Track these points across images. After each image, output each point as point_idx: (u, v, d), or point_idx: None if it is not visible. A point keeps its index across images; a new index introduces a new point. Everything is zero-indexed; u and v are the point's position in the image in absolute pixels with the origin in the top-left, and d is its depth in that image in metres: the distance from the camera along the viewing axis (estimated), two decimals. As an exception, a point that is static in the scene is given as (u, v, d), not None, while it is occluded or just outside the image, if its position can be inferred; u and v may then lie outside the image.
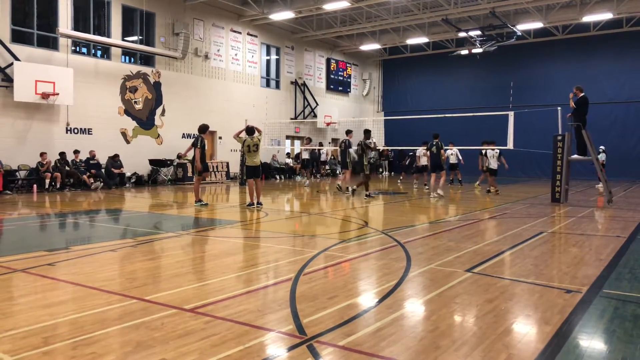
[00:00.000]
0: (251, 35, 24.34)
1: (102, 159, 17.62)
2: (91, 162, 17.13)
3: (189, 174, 20.19)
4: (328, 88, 29.76)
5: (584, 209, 12.29)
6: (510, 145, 15.31)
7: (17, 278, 5.25)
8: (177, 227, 9.26)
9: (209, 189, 17.72)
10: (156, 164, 19.60)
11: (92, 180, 16.73)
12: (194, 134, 21.46)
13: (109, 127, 18.44)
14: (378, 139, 30.10)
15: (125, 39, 19.08)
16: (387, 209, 12.87)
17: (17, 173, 15.70)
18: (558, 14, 22.82)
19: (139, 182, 19.07)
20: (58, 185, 15.93)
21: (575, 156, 13.48)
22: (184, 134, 21.10)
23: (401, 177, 23.62)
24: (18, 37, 16.05)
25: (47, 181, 15.64)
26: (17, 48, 15.75)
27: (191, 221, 10.05)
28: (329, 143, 29.62)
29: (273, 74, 26.36)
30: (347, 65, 31.15)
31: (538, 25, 23.75)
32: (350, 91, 31.62)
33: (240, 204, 13.06)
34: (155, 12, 19.89)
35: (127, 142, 19.12)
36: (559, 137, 13.49)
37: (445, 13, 22.70)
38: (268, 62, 26.03)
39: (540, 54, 27.48)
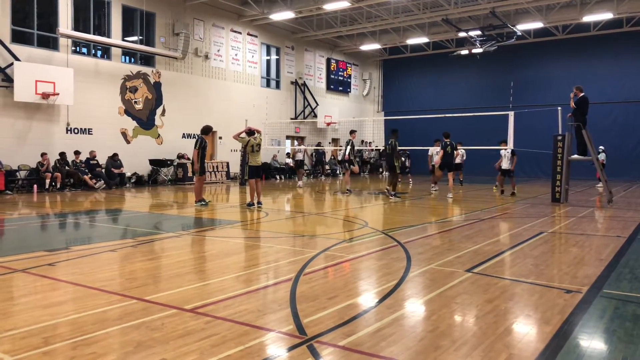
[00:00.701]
0: (251, 35, 24.34)
1: (102, 159, 17.62)
2: (91, 162, 17.12)
3: (189, 174, 20.20)
4: (328, 88, 29.75)
5: (584, 209, 12.29)
6: (510, 145, 15.31)
7: (17, 278, 5.25)
8: (177, 227, 9.26)
9: (209, 189, 17.71)
10: (156, 164, 19.60)
11: (94, 180, 16.72)
12: (194, 134, 21.51)
13: (109, 127, 18.44)
14: (378, 139, 30.21)
15: (126, 39, 19.09)
16: (387, 208, 12.86)
17: (17, 173, 15.70)
18: (558, 14, 22.82)
19: (139, 182, 19.07)
20: (58, 186, 15.93)
21: (575, 156, 13.48)
22: (184, 134, 21.10)
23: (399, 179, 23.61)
24: (18, 37, 16.05)
25: (48, 181, 15.64)
26: (17, 48, 15.75)
27: (191, 221, 10.05)
28: (329, 143, 29.62)
29: (273, 74, 26.35)
30: (347, 65, 31.14)
31: (538, 25, 23.74)
32: (350, 91, 31.62)
33: (240, 204, 13.06)
34: (155, 12, 19.89)
35: (127, 142, 19.12)
36: (559, 137, 13.49)
37: (445, 13, 22.70)
38: (268, 62, 26.03)
39: (541, 54, 27.47)
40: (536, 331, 3.85)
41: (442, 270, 5.69)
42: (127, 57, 19.47)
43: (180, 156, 20.42)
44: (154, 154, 19.78)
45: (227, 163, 21.96)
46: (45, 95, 15.69)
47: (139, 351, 3.29)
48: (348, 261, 6.26)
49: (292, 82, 27.10)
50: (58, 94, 15.94)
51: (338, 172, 27.92)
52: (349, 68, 31.29)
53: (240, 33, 23.73)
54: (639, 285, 5.28)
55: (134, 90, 19.28)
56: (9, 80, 15.41)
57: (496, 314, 4.18)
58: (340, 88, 30.63)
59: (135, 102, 19.34)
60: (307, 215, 11.18)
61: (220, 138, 22.55)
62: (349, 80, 31.28)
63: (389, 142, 14.71)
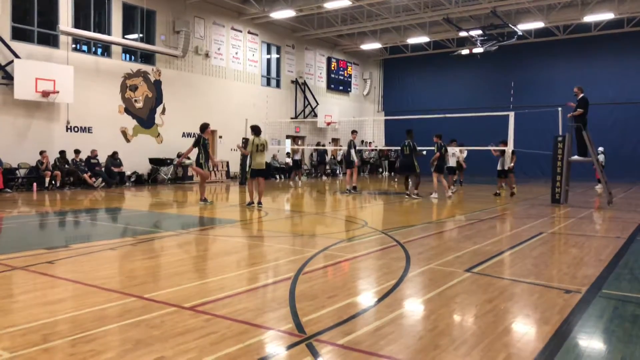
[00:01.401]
0: (252, 33, 24.33)
1: (102, 157, 17.61)
2: (92, 161, 17.11)
3: (189, 173, 20.21)
4: (328, 87, 29.74)
5: (584, 210, 12.29)
6: (510, 145, 15.31)
7: (16, 276, 5.25)
8: (176, 226, 9.26)
9: (208, 189, 17.70)
10: (156, 162, 19.59)
11: (94, 179, 16.72)
12: (194, 133, 21.51)
13: (109, 126, 18.43)
14: (378, 139, 30.23)
15: (126, 36, 19.08)
16: (387, 208, 12.87)
17: (17, 171, 15.69)
18: (559, 13, 22.81)
19: (139, 181, 19.07)
20: (58, 184, 15.92)
21: (575, 157, 13.47)
22: (184, 132, 21.09)
23: (396, 178, 23.65)
24: (18, 35, 16.04)
25: (47, 179, 15.63)
26: (17, 45, 15.74)
27: (191, 220, 10.05)
28: (329, 143, 29.62)
29: (274, 73, 26.35)
30: (348, 64, 31.13)
31: (539, 25, 23.74)
32: (350, 90, 31.61)
33: (240, 203, 13.06)
34: (155, 10, 19.88)
35: (127, 140, 19.12)
36: (560, 138, 13.48)
37: (446, 12, 22.68)
38: (269, 60, 26.02)
39: (541, 54, 27.47)
40: (535, 331, 3.85)
41: (442, 270, 5.69)
42: (128, 55, 19.46)
43: (180, 155, 20.39)
44: (154, 152, 19.77)
45: (227, 162, 21.96)
46: (45, 93, 15.69)
47: (138, 349, 3.29)
48: (347, 260, 6.26)
49: (292, 81, 27.10)
50: (58, 92, 15.93)
51: (338, 172, 27.93)
52: (350, 67, 31.28)
53: (240, 31, 23.72)
54: (638, 286, 5.29)
55: (134, 88, 19.27)
56: (9, 77, 15.40)
57: (495, 313, 4.18)
58: (341, 87, 30.62)
59: (136, 100, 19.33)
60: (306, 215, 11.18)
61: (220, 137, 22.54)
62: (349, 79, 31.26)
63: (406, 143, 14.50)
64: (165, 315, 3.95)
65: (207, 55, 21.97)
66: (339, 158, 28.60)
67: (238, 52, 23.63)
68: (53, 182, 15.84)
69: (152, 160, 19.58)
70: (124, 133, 19.03)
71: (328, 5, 21.30)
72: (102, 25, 18.33)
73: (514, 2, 21.08)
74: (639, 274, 5.82)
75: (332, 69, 29.77)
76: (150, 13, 19.72)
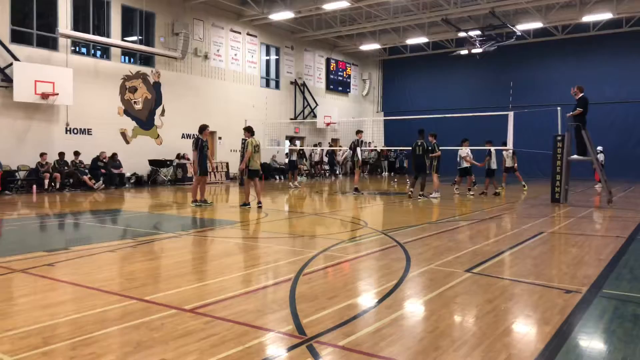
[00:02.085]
0: (251, 35, 24.34)
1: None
2: (99, 163, 17.13)
3: (189, 174, 20.20)
4: (328, 88, 29.75)
5: (583, 209, 12.29)
6: (510, 145, 15.32)
7: (16, 278, 5.25)
8: (176, 227, 9.25)
9: (208, 189, 17.69)
10: (156, 164, 19.59)
11: (93, 181, 16.71)
12: (193, 134, 21.50)
13: (109, 128, 18.43)
14: (377, 139, 30.23)
15: (125, 39, 19.08)
16: (387, 209, 12.87)
17: (16, 173, 15.69)
18: (558, 14, 22.83)
19: (139, 182, 19.06)
20: (57, 186, 15.92)
21: (575, 156, 13.47)
22: (183, 134, 21.09)
23: (395, 179, 23.67)
24: (18, 37, 16.05)
25: (47, 181, 15.62)
26: (16, 48, 15.74)
27: (191, 222, 10.05)
28: (328, 143, 29.63)
29: (273, 74, 26.36)
30: (347, 65, 31.15)
31: (538, 25, 23.77)
32: (350, 91, 31.62)
33: (240, 204, 13.04)
34: (154, 12, 19.89)
35: (127, 142, 19.12)
36: (559, 137, 13.49)
37: (445, 13, 22.70)
38: (268, 62, 26.03)
39: (540, 54, 27.48)
40: (536, 331, 3.85)
41: (442, 270, 5.69)
42: (127, 57, 19.47)
43: (179, 156, 20.41)
44: (154, 154, 19.77)
45: (227, 163, 21.96)
46: (44, 96, 15.69)
47: (138, 351, 3.29)
48: (348, 261, 6.25)
49: (291, 82, 27.11)
50: (57, 94, 15.94)
51: (337, 172, 27.95)
52: (349, 68, 31.29)
53: (239, 33, 23.74)
54: (638, 285, 5.29)
55: (134, 90, 19.27)
56: (9, 80, 15.41)
57: (496, 314, 4.18)
58: (340, 88, 30.63)
59: (135, 102, 19.33)
60: (306, 216, 11.18)
61: (220, 138, 22.55)
62: (348, 80, 31.28)
63: (419, 143, 14.59)
64: (165, 318, 3.95)
65: (206, 56, 21.98)
66: (339, 158, 28.67)
67: (237, 53, 23.64)
68: (53, 184, 15.83)
69: (152, 162, 19.57)
70: (124, 134, 19.04)
71: (327, 7, 21.31)
72: (101, 28, 18.33)
73: (513, 3, 21.10)
74: (639, 273, 5.82)
75: (331, 69, 29.78)
76: (149, 15, 19.72)
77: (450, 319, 4.09)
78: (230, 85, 23.26)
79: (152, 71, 19.90)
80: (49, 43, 16.84)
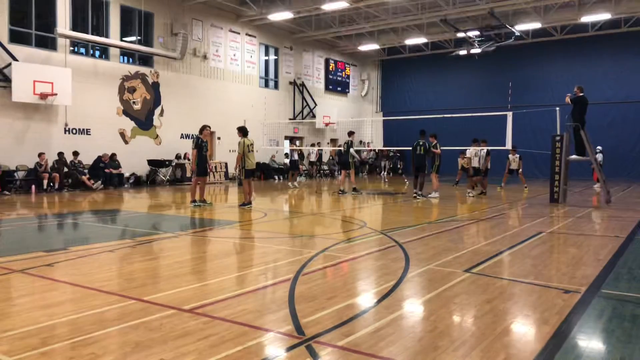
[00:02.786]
0: (250, 35, 24.34)
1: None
2: (100, 164, 17.13)
3: (188, 174, 20.20)
4: (327, 88, 29.75)
5: (582, 209, 12.31)
6: (508, 145, 15.32)
7: (15, 279, 5.24)
8: (175, 227, 9.25)
9: (207, 190, 17.68)
10: (155, 164, 19.58)
11: (92, 181, 16.71)
12: (192, 135, 21.49)
13: (108, 128, 18.42)
14: (377, 140, 30.24)
15: (124, 39, 19.07)
16: (386, 209, 12.88)
17: (15, 173, 15.67)
18: (556, 14, 22.85)
19: (138, 182, 19.05)
20: (56, 186, 15.90)
21: (573, 156, 13.49)
22: (182, 134, 21.09)
23: (386, 180, 23.70)
24: (16, 38, 16.03)
25: (46, 182, 15.61)
26: (15, 48, 15.72)
27: (190, 222, 10.05)
28: (327, 143, 29.62)
29: (272, 74, 26.36)
30: (346, 65, 31.15)
31: (536, 25, 23.77)
32: (349, 91, 31.62)
33: (239, 204, 13.04)
34: (153, 13, 19.88)
35: (126, 142, 19.11)
36: (558, 138, 13.50)
37: (443, 13, 22.71)
38: (267, 62, 26.03)
39: (539, 55, 27.51)
40: (534, 331, 3.85)
41: (441, 270, 5.69)
42: (126, 58, 19.45)
43: (178, 156, 20.40)
44: (153, 154, 19.76)
45: (226, 163, 21.95)
46: (43, 96, 15.68)
47: (137, 351, 3.29)
48: (347, 261, 6.26)
49: (290, 83, 27.11)
50: (56, 94, 15.92)
51: (337, 172, 27.93)
52: (348, 68, 31.29)
53: (238, 33, 23.73)
54: (637, 285, 5.29)
55: (133, 90, 19.26)
56: (7, 80, 15.38)
57: (495, 314, 4.19)
58: (339, 88, 30.63)
59: (134, 102, 19.32)
60: (305, 216, 11.18)
61: (218, 138, 22.53)
62: (347, 80, 31.28)
63: (421, 143, 14.76)
64: (164, 318, 3.95)
65: (205, 57, 21.97)
66: (337, 159, 28.69)
67: (236, 53, 23.64)
68: (51, 184, 15.82)
69: (151, 162, 19.56)
70: (123, 135, 19.02)
71: (326, 7, 21.30)
72: (100, 28, 18.31)
73: (511, 3, 21.11)
74: (637, 273, 5.83)
75: (330, 70, 29.78)
76: (148, 15, 19.71)
77: (449, 319, 4.10)
78: (229, 86, 23.26)
79: (151, 71, 19.89)
80: (48, 43, 16.82)
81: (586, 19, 22.69)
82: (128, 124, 19.18)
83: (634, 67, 25.42)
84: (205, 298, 4.52)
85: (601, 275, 5.56)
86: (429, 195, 14.74)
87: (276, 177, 24.21)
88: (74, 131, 17.43)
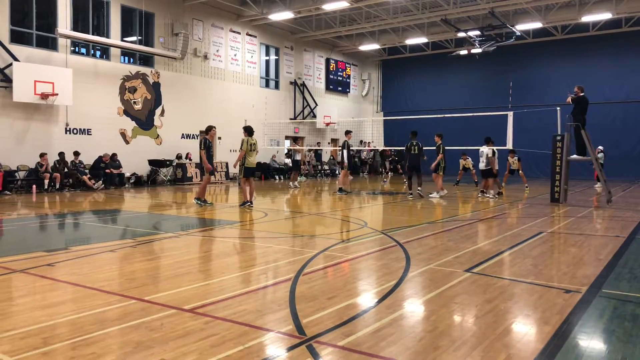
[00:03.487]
0: (250, 35, 24.34)
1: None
2: (101, 164, 17.14)
3: (189, 174, 20.23)
4: (327, 88, 29.76)
5: (583, 209, 12.30)
6: (509, 145, 15.32)
7: (16, 278, 5.25)
8: (176, 227, 9.25)
9: (208, 189, 17.68)
10: (155, 164, 19.59)
11: (93, 181, 16.72)
12: (193, 135, 21.53)
13: (108, 128, 18.43)
14: (377, 139, 30.22)
15: (125, 39, 19.08)
16: (387, 209, 12.87)
17: (16, 173, 15.69)
18: (557, 14, 22.84)
19: (138, 182, 19.06)
20: (57, 186, 15.91)
21: (574, 156, 13.48)
22: (183, 134, 21.11)
23: (385, 179, 23.70)
24: (17, 38, 16.05)
25: (46, 182, 15.62)
26: (16, 48, 15.74)
27: (190, 221, 10.05)
28: (328, 143, 29.63)
29: (272, 74, 26.36)
30: (347, 65, 31.15)
31: (537, 25, 23.77)
32: (349, 91, 31.62)
33: (240, 204, 13.04)
34: (154, 13, 19.89)
35: (127, 142, 19.12)
36: (558, 137, 13.49)
37: (444, 13, 22.71)
38: (267, 62, 26.03)
39: (539, 54, 27.50)
40: (535, 331, 3.85)
41: (442, 270, 5.69)
42: (126, 58, 19.46)
43: (179, 156, 20.41)
44: (153, 154, 19.77)
45: (227, 163, 21.96)
46: (44, 96, 15.69)
47: (138, 351, 3.29)
48: (347, 261, 6.26)
49: (291, 83, 27.11)
50: (57, 95, 15.93)
51: (337, 172, 27.93)
52: (348, 68, 31.29)
53: (239, 33, 23.74)
54: (638, 285, 5.29)
55: (133, 90, 19.27)
56: (8, 80, 15.40)
57: (495, 313, 4.19)
58: (340, 88, 30.63)
59: (134, 102, 19.33)
60: (306, 216, 11.18)
61: (219, 138, 22.52)
62: (348, 80, 31.28)
63: (415, 143, 14.91)
64: (165, 318, 3.95)
65: (205, 57, 21.98)
66: (338, 159, 28.68)
67: (237, 53, 23.64)
68: (52, 184, 15.83)
69: (151, 162, 19.58)
70: (123, 135, 19.03)
71: (326, 7, 21.31)
72: (101, 28, 18.32)
73: (512, 3, 21.10)
74: (638, 273, 5.82)
75: (331, 70, 29.78)
76: (148, 15, 19.72)
77: (450, 318, 4.10)
78: (229, 86, 23.26)
79: (151, 71, 19.90)
80: (49, 43, 16.84)
81: (587, 18, 22.68)
82: (129, 124, 19.20)
83: (635, 67, 25.41)
84: (206, 298, 4.52)
85: (602, 275, 5.56)
86: (430, 195, 14.74)
87: (277, 177, 24.20)
88: (75, 131, 17.45)
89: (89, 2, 17.80)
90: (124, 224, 9.89)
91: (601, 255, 6.64)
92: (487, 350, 3.40)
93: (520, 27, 23.84)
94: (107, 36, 18.27)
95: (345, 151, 15.79)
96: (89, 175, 16.73)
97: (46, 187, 15.63)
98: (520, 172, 18.66)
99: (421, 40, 27.32)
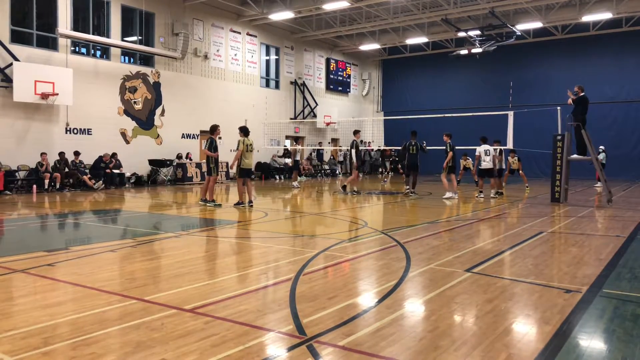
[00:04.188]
0: (251, 35, 24.34)
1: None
2: (101, 164, 17.14)
3: (189, 174, 20.23)
4: (327, 88, 29.75)
5: (583, 209, 12.29)
6: (509, 144, 15.31)
7: (16, 278, 5.25)
8: (176, 227, 9.25)
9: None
10: (156, 164, 19.60)
11: (93, 181, 16.73)
12: (193, 134, 21.54)
13: (109, 127, 18.43)
14: (377, 139, 30.23)
15: (125, 39, 19.08)
16: (387, 209, 12.87)
17: (16, 173, 15.69)
18: (557, 13, 22.83)
19: (139, 182, 19.06)
20: (57, 186, 15.92)
21: (574, 156, 13.48)
22: (183, 134, 21.11)
23: (385, 179, 23.71)
24: (17, 38, 16.05)
25: (47, 181, 15.63)
26: (16, 48, 15.74)
27: (191, 221, 10.05)
28: (329, 143, 29.63)
29: (272, 74, 26.36)
30: (347, 65, 31.15)
31: (537, 25, 23.76)
32: (349, 91, 31.62)
33: (234, 203, 13.04)
34: (154, 13, 19.89)
35: (127, 142, 19.12)
36: (559, 137, 13.49)
37: (444, 13, 22.70)
38: (267, 62, 26.03)
39: (540, 54, 27.49)
40: (536, 331, 3.85)
41: (442, 270, 5.69)
42: (127, 57, 19.46)
43: (179, 156, 20.41)
44: (154, 154, 19.78)
45: (227, 163, 21.95)
46: (44, 96, 15.69)
47: (138, 351, 3.29)
48: (348, 261, 6.26)
49: (291, 82, 27.11)
50: (57, 94, 15.93)
51: (337, 172, 27.95)
52: (349, 68, 31.29)
53: (239, 33, 23.73)
54: (638, 285, 5.29)
55: (134, 90, 19.28)
56: (8, 80, 15.41)
57: (496, 313, 4.18)
58: (340, 88, 30.63)
59: (135, 102, 19.34)
60: (306, 215, 11.18)
61: (219, 138, 22.49)
62: (348, 80, 31.28)
63: (413, 143, 15.22)
64: (165, 318, 3.95)
65: (206, 56, 21.98)
66: (340, 158, 28.71)
67: (237, 53, 23.64)
68: (53, 184, 15.84)
69: (152, 162, 19.58)
70: (124, 134, 19.03)
71: (327, 7, 21.30)
72: (101, 28, 18.33)
73: (512, 3, 21.09)
74: (639, 273, 5.82)
75: (331, 69, 29.78)
76: (149, 15, 19.72)
77: (451, 318, 4.09)
78: (230, 85, 23.26)
79: (152, 71, 19.90)
80: (49, 43, 16.84)
81: (587, 18, 22.67)
82: (129, 124, 19.20)
83: (635, 67, 25.40)
84: (206, 298, 4.52)
85: (602, 275, 5.55)
86: (444, 197, 14.62)
87: (277, 177, 24.20)
88: (75, 131, 17.45)
89: (89, 2, 17.80)
90: (124, 224, 9.90)
91: (602, 255, 6.64)
92: (487, 350, 3.40)
93: (521, 27, 23.84)
94: (108, 36, 18.26)
95: (354, 151, 15.81)
96: (89, 175, 16.74)
97: (46, 187, 15.63)
98: (520, 171, 18.68)
99: (421, 40, 27.32)
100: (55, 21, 16.72)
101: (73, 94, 16.52)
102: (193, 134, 21.48)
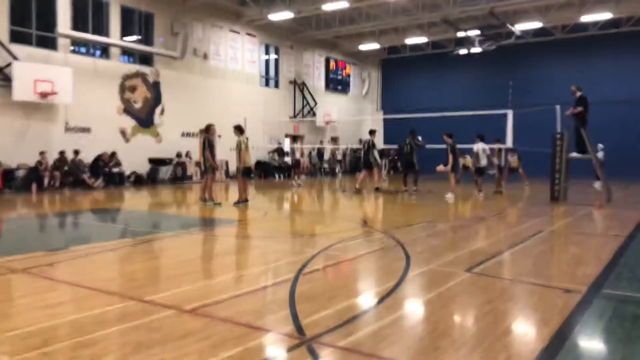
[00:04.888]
0: (250, 35, 24.32)
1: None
2: (100, 163, 17.15)
3: (189, 172, 20.23)
4: (327, 87, 29.74)
5: (583, 208, 12.29)
6: (509, 143, 15.30)
7: (16, 278, 5.24)
8: (176, 226, 9.25)
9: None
10: (155, 163, 19.60)
11: (93, 179, 16.72)
12: (193, 133, 21.52)
13: (108, 126, 18.42)
14: (377, 139, 30.18)
15: (124, 38, 19.07)
16: (387, 208, 12.87)
17: (16, 172, 15.68)
18: (557, 13, 22.82)
19: (138, 181, 19.06)
20: (57, 184, 15.91)
21: (574, 154, 13.48)
22: (183, 132, 21.10)
23: (384, 178, 23.73)
24: (17, 37, 16.03)
25: (46, 180, 15.62)
26: (16, 48, 15.72)
27: (190, 220, 10.05)
28: (328, 142, 29.61)
29: (272, 74, 26.35)
30: (346, 64, 31.14)
31: (537, 25, 23.74)
32: (349, 90, 31.61)
33: (234, 202, 13.03)
34: (154, 13, 19.87)
35: (126, 141, 19.11)
36: (558, 136, 13.49)
37: (444, 13, 22.68)
38: (267, 61, 26.01)
39: (539, 54, 27.48)
40: (535, 331, 3.85)
41: (442, 270, 5.69)
42: (126, 57, 19.45)
43: (179, 155, 20.41)
44: (153, 152, 19.77)
45: (227, 162, 21.96)
46: (43, 95, 15.68)
47: (138, 352, 3.29)
48: (347, 261, 6.25)
49: (291, 82, 27.09)
50: (57, 93, 15.92)
51: (337, 171, 27.95)
52: (348, 67, 31.29)
53: (239, 33, 23.72)
54: (638, 285, 5.29)
55: (133, 89, 19.26)
56: (8, 79, 15.39)
57: (495, 314, 4.18)
58: (339, 87, 30.63)
59: (134, 101, 19.33)
60: (306, 215, 11.17)
61: (219, 137, 22.47)
62: (347, 79, 31.28)
63: (407, 142, 15.51)
64: (165, 318, 3.95)
65: (205, 56, 21.96)
66: (338, 157, 28.69)
67: (237, 53, 23.62)
68: (52, 182, 15.83)
69: (152, 160, 19.58)
70: (123, 133, 19.02)
71: (326, 7, 21.27)
72: (101, 29, 18.30)
73: (512, 3, 21.08)
74: (639, 273, 5.82)
75: (331, 69, 29.78)
76: (148, 15, 19.71)
77: (450, 319, 4.10)
78: (229, 85, 23.24)
79: (151, 71, 19.89)
80: (48, 43, 16.82)
81: (587, 18, 22.67)
82: (129, 123, 19.19)
83: (635, 66, 25.39)
84: (206, 298, 4.52)
85: (602, 275, 5.55)
86: (446, 196, 14.58)
87: (277, 176, 24.19)
88: (75, 130, 17.44)
89: (88, 2, 17.78)
90: (124, 223, 9.89)
91: (601, 255, 6.63)
92: (487, 350, 3.40)
93: (520, 27, 23.82)
94: (107, 36, 18.24)
95: (376, 151, 16.00)
96: (88, 174, 16.73)
97: (46, 185, 15.62)
98: (520, 170, 18.69)
99: (421, 39, 27.29)
100: (55, 21, 16.70)
101: (72, 93, 16.50)
102: (192, 133, 21.47)
